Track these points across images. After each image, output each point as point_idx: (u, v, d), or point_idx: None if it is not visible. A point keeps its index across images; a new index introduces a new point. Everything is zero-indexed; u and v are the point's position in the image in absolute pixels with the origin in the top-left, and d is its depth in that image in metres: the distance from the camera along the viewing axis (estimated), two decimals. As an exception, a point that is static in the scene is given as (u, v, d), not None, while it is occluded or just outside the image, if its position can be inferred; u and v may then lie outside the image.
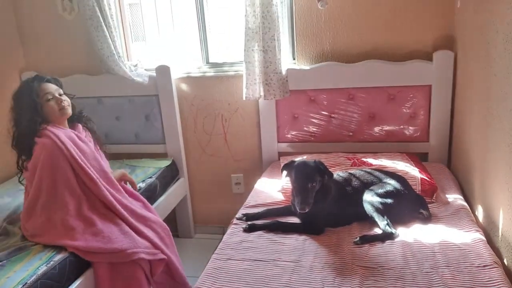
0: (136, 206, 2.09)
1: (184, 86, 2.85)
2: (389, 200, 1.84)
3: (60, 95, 2.04)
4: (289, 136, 2.72)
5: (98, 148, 2.19)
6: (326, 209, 1.87)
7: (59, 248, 1.83)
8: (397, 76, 2.45)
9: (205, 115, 2.88)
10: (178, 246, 2.24)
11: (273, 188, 2.28)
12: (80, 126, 2.15)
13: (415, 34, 2.45)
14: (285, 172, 1.92)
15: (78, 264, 1.81)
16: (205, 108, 2.86)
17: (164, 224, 2.14)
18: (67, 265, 1.77)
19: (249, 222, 1.94)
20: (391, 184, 1.92)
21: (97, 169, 2.03)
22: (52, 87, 2.03)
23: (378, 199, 1.84)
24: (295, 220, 1.94)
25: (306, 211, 1.76)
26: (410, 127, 2.55)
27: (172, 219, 2.94)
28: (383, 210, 1.81)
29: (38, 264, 1.73)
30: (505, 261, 1.62)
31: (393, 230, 1.75)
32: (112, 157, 2.54)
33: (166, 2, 3.78)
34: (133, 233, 1.92)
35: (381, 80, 2.48)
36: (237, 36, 2.55)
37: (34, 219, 1.92)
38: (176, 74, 2.82)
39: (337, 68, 2.51)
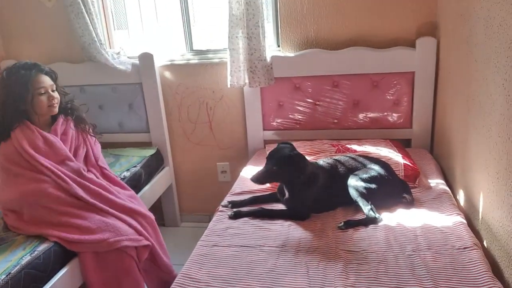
0: (118, 196, 2.05)
1: (168, 74, 2.82)
2: (373, 185, 1.86)
3: (52, 91, 2.02)
4: (274, 124, 2.72)
5: (86, 137, 2.16)
6: (313, 195, 1.89)
7: (42, 238, 1.81)
8: (380, 63, 2.46)
9: (190, 103, 2.86)
10: (165, 235, 2.23)
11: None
12: (61, 119, 2.10)
13: (399, 21, 2.45)
14: None
15: (63, 253, 1.80)
16: (190, 96, 2.84)
17: (148, 213, 2.11)
18: (52, 254, 1.75)
19: (234, 209, 1.94)
20: (375, 169, 1.94)
21: (70, 167, 1.99)
22: (48, 82, 2.01)
23: (362, 184, 1.86)
24: (280, 207, 1.95)
25: (255, 183, 1.87)
26: (394, 114, 2.57)
27: (158, 208, 2.93)
28: (367, 195, 1.83)
29: (22, 254, 1.71)
30: (484, 243, 1.66)
31: (377, 215, 1.78)
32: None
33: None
34: (116, 221, 1.90)
35: (365, 67, 2.49)
36: (221, 23, 2.52)
37: (8, 189, 1.92)
38: (159, 61, 2.78)
39: (322, 55, 2.51)
